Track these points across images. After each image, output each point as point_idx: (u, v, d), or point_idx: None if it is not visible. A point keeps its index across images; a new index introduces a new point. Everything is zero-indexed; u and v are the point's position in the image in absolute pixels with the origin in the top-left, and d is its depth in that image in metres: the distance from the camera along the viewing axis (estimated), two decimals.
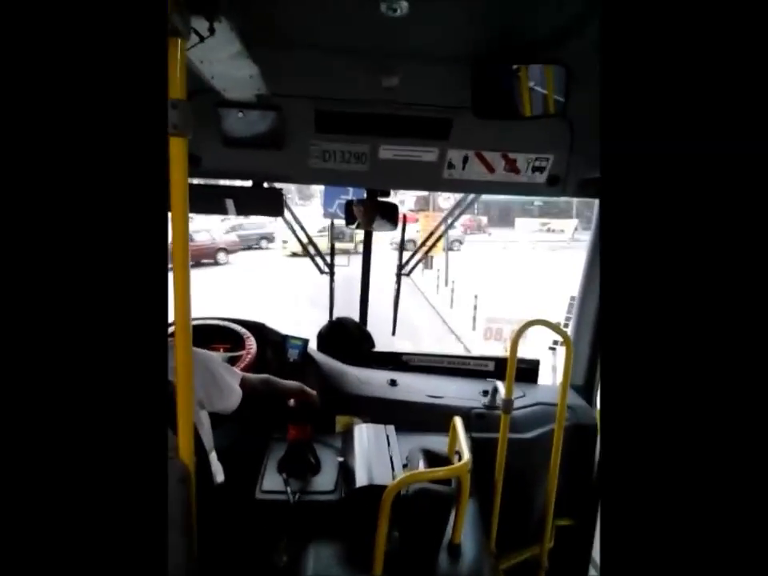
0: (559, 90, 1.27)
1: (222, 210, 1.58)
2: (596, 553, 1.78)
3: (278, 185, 1.64)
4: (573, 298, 1.92)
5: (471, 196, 1.84)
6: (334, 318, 2.01)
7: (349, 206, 1.76)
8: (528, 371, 1.91)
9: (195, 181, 1.57)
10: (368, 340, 2.00)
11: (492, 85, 1.32)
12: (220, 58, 1.01)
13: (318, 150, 1.49)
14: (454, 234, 16.94)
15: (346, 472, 1.28)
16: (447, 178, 1.55)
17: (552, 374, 3.75)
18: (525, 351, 1.87)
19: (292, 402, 1.41)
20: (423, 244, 1.98)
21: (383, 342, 2.10)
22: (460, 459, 1.13)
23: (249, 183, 1.60)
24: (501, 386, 1.57)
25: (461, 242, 17.51)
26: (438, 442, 1.31)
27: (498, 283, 10.47)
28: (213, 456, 1.20)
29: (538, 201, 23.37)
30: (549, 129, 1.47)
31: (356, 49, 1.30)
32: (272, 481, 1.29)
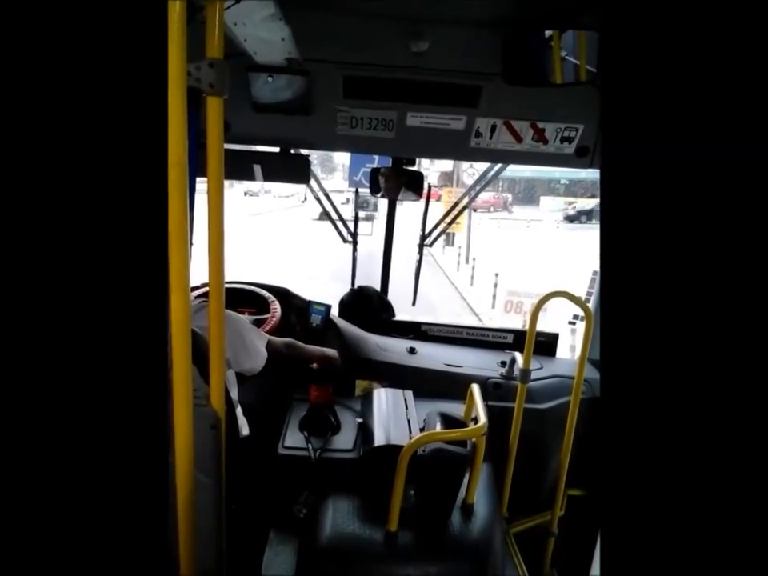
0: (591, 57, 1.25)
1: (250, 176, 1.61)
2: None
3: (304, 151, 1.65)
4: (595, 273, 1.91)
5: (495, 168, 1.82)
6: (355, 286, 2.04)
7: (374, 174, 1.76)
8: (546, 344, 1.92)
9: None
10: (388, 309, 2.02)
11: (523, 51, 1.30)
12: (254, 20, 1.02)
13: (345, 116, 1.49)
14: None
15: (364, 432, 1.32)
16: (474, 146, 1.54)
17: (570, 353, 3.75)
18: (543, 328, 1.88)
19: (314, 365, 1.45)
20: (447, 215, 1.98)
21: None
22: (476, 424, 1.16)
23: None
24: (519, 357, 1.58)
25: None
26: (455, 408, 1.33)
27: (519, 261, 10.36)
28: (238, 410, 1.25)
29: (564, 179, 22.89)
30: (579, 97, 1.44)
31: (386, 13, 1.28)
32: (294, 438, 1.35)
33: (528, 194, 24.20)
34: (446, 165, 12.12)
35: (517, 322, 5.76)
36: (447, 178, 12.56)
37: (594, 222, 17.16)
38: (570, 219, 18.68)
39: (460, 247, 10.48)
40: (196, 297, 1.63)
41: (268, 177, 1.59)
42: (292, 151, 1.61)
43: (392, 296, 2.09)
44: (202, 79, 0.73)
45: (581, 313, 1.54)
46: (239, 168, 1.56)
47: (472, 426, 1.19)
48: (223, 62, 0.75)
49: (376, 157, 2.14)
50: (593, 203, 18.92)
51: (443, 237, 2.25)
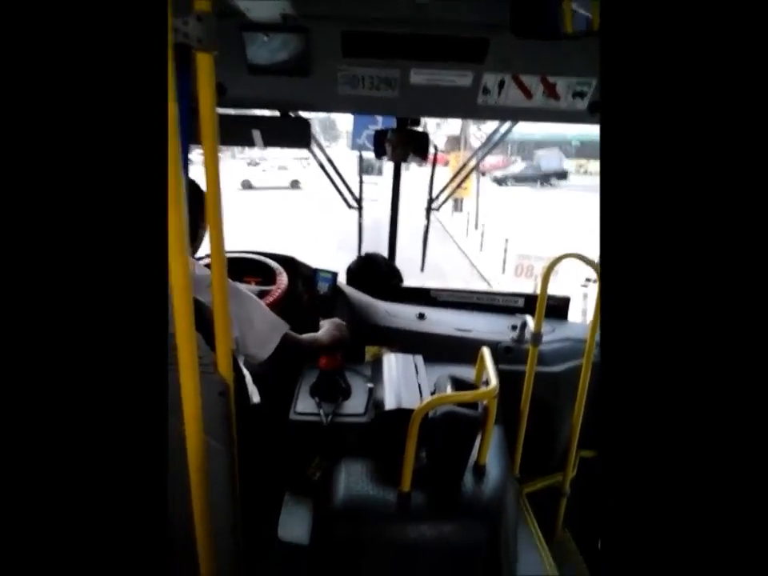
0: None
1: (249, 142, 1.57)
2: None
3: (305, 115, 1.60)
4: None
5: (504, 128, 1.76)
6: (362, 253, 2.02)
7: (379, 136, 1.71)
8: (558, 308, 1.90)
9: (220, 111, 1.55)
10: (396, 275, 2.00)
11: (533, 1, 1.23)
12: None
13: (345, 75, 1.43)
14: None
15: (375, 397, 1.32)
16: (482, 104, 1.48)
17: (582, 317, 3.72)
18: (554, 293, 1.86)
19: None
20: (454, 178, 1.93)
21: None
22: (487, 387, 1.15)
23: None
24: (530, 320, 1.57)
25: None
26: (465, 372, 1.33)
27: (530, 226, 10.24)
28: (248, 378, 1.25)
29: (575, 140, 22.30)
30: (592, 50, 1.37)
31: None
32: (305, 404, 1.35)
33: None
34: (454, 129, 11.85)
35: (528, 286, 5.73)
36: (455, 142, 12.28)
37: (519, 184, 18.10)
38: (499, 182, 19.01)
39: (469, 213, 10.35)
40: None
41: (268, 142, 1.55)
42: (292, 114, 1.56)
43: (400, 263, 2.07)
44: (190, 34, 0.70)
45: (592, 275, 1.50)
46: (237, 133, 1.52)
47: (483, 388, 1.18)
48: (211, 15, 0.71)
49: (380, 118, 2.08)
50: (520, 167, 19.37)
51: (451, 203, 2.22)
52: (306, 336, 1.35)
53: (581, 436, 1.60)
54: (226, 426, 0.88)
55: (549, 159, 18.88)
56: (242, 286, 1.41)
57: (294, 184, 16.71)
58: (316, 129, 1.71)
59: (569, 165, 20.81)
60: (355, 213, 2.04)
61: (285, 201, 13.99)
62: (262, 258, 1.76)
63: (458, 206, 10.80)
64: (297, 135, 1.56)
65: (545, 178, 18.36)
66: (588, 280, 3.03)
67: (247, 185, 16.26)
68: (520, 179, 18.54)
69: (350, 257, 2.04)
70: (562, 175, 18.68)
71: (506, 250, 7.67)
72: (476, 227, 10.00)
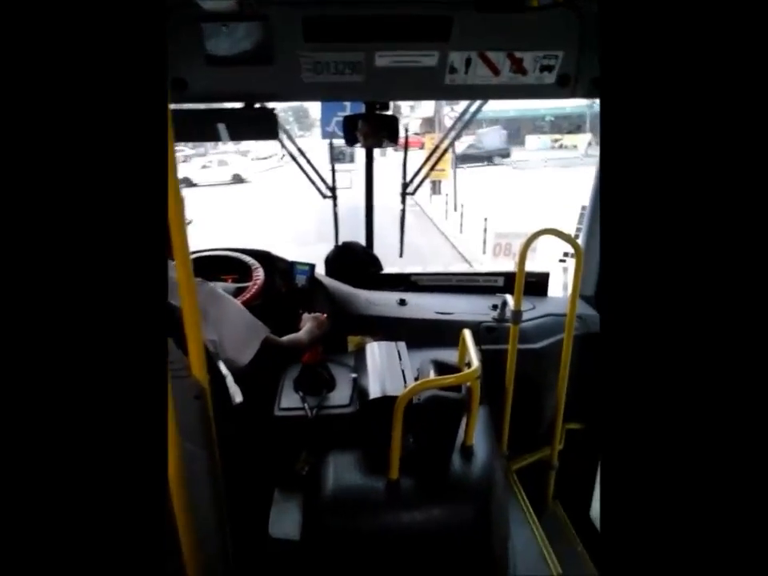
0: None
1: (214, 137, 1.52)
2: None
3: (270, 105, 1.56)
4: (584, 208, 1.86)
5: (474, 107, 1.74)
6: (339, 242, 1.99)
7: (348, 122, 1.67)
8: (538, 284, 1.91)
9: (183, 106, 1.51)
10: (375, 263, 1.99)
11: None
12: None
13: (309, 61, 1.40)
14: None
15: (359, 387, 1.32)
16: (449, 84, 1.46)
17: (563, 292, 3.76)
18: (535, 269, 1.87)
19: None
20: (427, 160, 1.91)
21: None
22: (470, 369, 1.16)
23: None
24: (510, 299, 1.57)
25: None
26: (448, 356, 1.33)
27: (508, 205, 10.25)
28: (229, 379, 1.23)
29: (549, 116, 22.34)
30: (557, 22, 1.36)
31: None
32: (289, 399, 1.34)
33: (512, 133, 23.64)
34: (428, 110, 11.75)
35: (508, 265, 5.76)
36: (429, 125, 12.18)
37: (465, 165, 16.35)
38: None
39: (447, 195, 10.32)
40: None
41: (234, 135, 1.51)
42: (257, 105, 1.52)
43: (380, 250, 2.05)
44: None
45: (571, 250, 1.51)
46: (202, 128, 1.48)
47: (466, 371, 1.18)
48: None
49: (347, 104, 2.04)
50: (462, 147, 17.16)
51: (429, 185, 2.21)
52: (286, 338, 1.33)
53: (565, 409, 1.62)
54: (205, 428, 0.87)
55: (491, 137, 18.10)
56: (219, 286, 1.38)
57: (237, 178, 16.14)
58: (289, 119, 1.67)
59: (544, 140, 20.79)
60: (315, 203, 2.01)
61: (233, 196, 13.44)
62: (237, 255, 1.73)
63: (436, 188, 10.76)
64: (263, 126, 1.52)
65: (488, 158, 17.63)
66: (566, 254, 3.04)
67: (188, 182, 15.55)
68: (466, 159, 16.74)
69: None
70: (505, 154, 17.93)
71: (485, 230, 7.66)
72: (455, 209, 9.99)
